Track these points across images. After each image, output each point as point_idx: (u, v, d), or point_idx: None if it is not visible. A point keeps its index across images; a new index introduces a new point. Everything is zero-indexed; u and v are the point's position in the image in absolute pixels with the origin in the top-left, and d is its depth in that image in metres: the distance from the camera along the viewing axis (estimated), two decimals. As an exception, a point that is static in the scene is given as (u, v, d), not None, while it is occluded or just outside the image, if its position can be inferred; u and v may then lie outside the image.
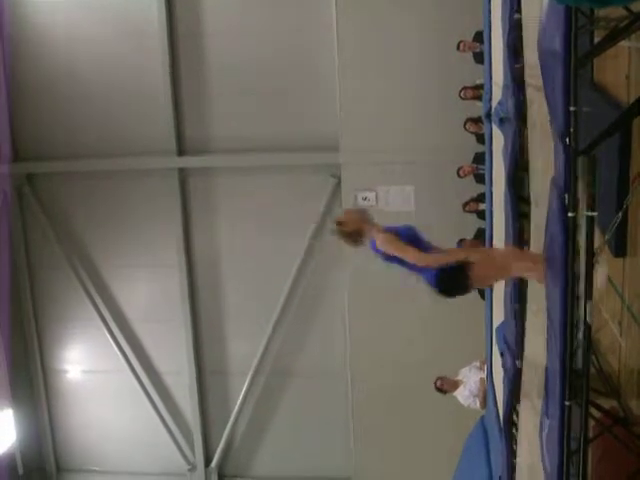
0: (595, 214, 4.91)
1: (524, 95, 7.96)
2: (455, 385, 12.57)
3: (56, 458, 19.49)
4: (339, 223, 7.01)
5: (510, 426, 8.70)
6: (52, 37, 16.86)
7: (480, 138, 14.11)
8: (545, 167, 6.20)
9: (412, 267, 6.90)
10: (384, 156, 15.97)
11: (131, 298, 18.12)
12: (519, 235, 8.33)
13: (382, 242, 6.77)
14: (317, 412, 17.84)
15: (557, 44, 4.77)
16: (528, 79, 7.71)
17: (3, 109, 17.16)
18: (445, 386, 12.56)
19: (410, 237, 6.93)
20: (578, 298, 5.07)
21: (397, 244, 6.77)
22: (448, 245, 7.53)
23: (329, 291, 17.24)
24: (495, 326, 10.87)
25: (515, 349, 8.25)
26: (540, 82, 5.84)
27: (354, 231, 6.95)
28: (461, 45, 14.45)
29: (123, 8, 16.58)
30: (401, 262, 6.91)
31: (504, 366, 8.94)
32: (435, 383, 12.57)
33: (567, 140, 4.83)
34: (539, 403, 6.20)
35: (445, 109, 15.23)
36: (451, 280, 6.68)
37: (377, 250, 6.90)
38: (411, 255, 6.73)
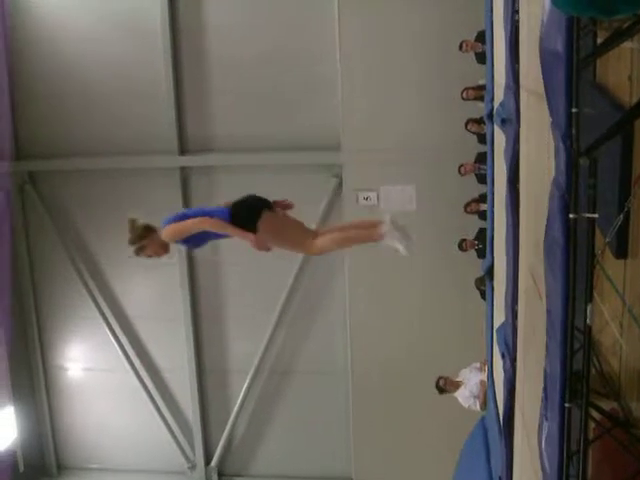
0: (596, 216, 4.90)
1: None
2: (457, 386, 12.57)
3: (57, 455, 19.53)
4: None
5: (510, 427, 8.68)
6: (54, 35, 16.87)
7: (482, 138, 14.10)
8: (541, 169, 6.19)
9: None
10: (385, 156, 15.97)
11: (132, 296, 18.14)
12: (519, 236, 8.32)
13: (168, 234, 7.18)
14: (318, 411, 17.85)
15: (559, 45, 4.76)
16: (522, 81, 7.71)
17: (4, 107, 17.18)
18: (448, 386, 12.56)
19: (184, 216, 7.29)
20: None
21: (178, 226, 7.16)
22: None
23: (330, 290, 17.24)
24: (496, 327, 10.85)
25: (513, 350, 8.25)
26: (533, 84, 5.83)
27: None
28: (463, 45, 14.44)
29: (125, 6, 16.60)
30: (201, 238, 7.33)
31: (504, 367, 8.93)
32: (437, 382, 12.57)
33: (569, 141, 4.82)
34: (533, 405, 6.19)
35: (447, 109, 15.23)
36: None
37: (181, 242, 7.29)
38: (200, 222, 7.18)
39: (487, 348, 12.40)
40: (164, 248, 7.40)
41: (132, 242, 7.30)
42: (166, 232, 7.17)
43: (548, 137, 5.46)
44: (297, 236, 7.64)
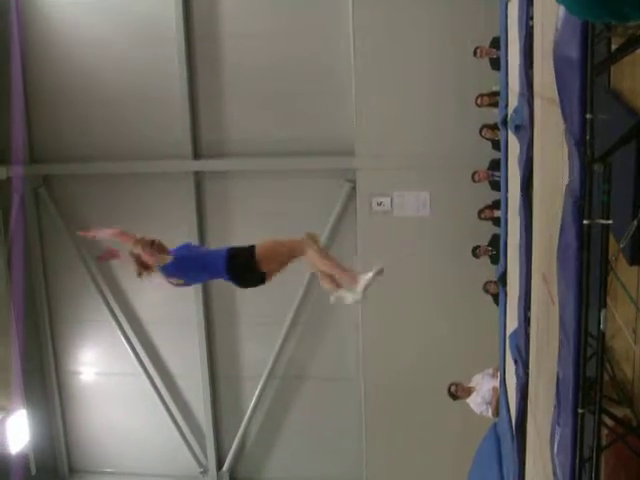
0: (610, 222, 4.90)
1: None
2: (469, 392, 12.54)
3: (68, 459, 19.58)
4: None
5: (522, 434, 8.66)
6: (69, 40, 16.95)
7: (496, 144, 14.09)
8: (554, 176, 6.19)
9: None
10: (399, 161, 15.99)
11: (145, 300, 18.16)
12: (533, 242, 8.31)
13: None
14: (329, 416, 17.85)
15: (574, 51, 4.76)
16: (537, 87, 7.70)
17: (19, 111, 17.25)
18: (459, 392, 12.53)
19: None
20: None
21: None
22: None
23: (343, 296, 17.21)
24: (509, 333, 10.83)
25: (526, 356, 8.24)
26: (548, 91, 5.82)
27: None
28: (478, 51, 14.45)
29: (140, 12, 16.68)
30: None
31: (517, 373, 8.91)
32: (449, 388, 12.54)
33: (583, 148, 4.82)
34: (544, 411, 6.18)
35: (461, 115, 15.25)
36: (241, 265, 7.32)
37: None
38: None
39: (499, 354, 12.37)
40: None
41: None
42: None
43: (562, 143, 5.46)
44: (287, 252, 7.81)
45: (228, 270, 7.57)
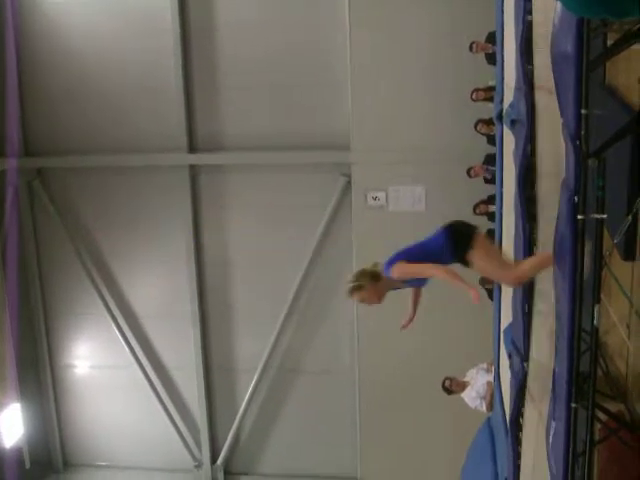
0: (605, 217, 4.90)
1: (534, 97, 7.93)
2: (463, 386, 12.55)
3: (63, 453, 19.57)
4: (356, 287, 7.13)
5: (516, 428, 8.67)
6: (63, 31, 16.91)
7: (491, 139, 14.09)
8: (552, 170, 6.19)
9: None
10: (395, 156, 15.98)
11: (140, 294, 18.15)
12: (529, 237, 8.31)
13: (399, 273, 7.03)
14: (325, 410, 17.86)
15: (569, 46, 4.76)
16: (537, 81, 7.69)
17: (13, 103, 17.21)
18: (454, 386, 12.54)
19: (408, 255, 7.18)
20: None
21: (411, 268, 7.11)
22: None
23: (338, 289, 17.20)
24: (503, 327, 10.84)
25: (522, 351, 8.24)
26: (549, 84, 5.82)
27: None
28: (473, 46, 14.43)
29: (135, 3, 16.65)
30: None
31: (511, 368, 8.92)
32: (443, 383, 12.55)
33: (578, 143, 4.83)
34: (544, 405, 6.19)
35: (456, 110, 15.24)
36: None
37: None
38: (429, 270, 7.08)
39: (494, 348, 12.38)
40: (378, 298, 7.41)
41: (355, 279, 7.11)
42: (398, 271, 7.06)
43: (559, 137, 5.46)
44: (502, 260, 7.41)
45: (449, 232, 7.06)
